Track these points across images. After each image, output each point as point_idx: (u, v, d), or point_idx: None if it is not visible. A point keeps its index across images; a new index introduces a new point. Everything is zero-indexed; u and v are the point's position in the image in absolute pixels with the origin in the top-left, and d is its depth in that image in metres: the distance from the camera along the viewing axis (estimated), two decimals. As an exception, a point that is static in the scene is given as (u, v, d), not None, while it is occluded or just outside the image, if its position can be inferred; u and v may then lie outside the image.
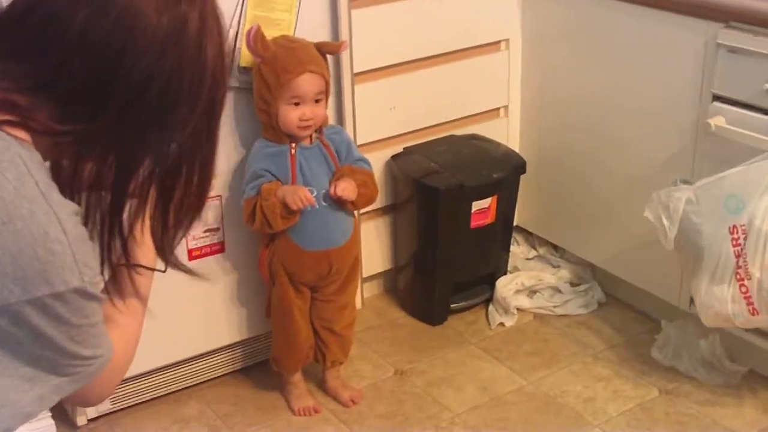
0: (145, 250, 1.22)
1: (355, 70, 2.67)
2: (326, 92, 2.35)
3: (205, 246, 2.51)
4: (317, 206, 2.36)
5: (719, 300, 2.29)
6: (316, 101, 2.32)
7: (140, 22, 1.01)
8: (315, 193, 2.35)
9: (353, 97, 2.60)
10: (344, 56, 2.54)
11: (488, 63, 3.01)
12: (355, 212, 2.52)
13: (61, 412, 2.54)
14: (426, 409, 2.59)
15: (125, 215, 1.12)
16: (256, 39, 2.26)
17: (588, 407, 2.57)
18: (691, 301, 2.56)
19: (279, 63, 2.28)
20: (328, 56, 2.41)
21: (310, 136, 2.40)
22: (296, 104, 2.30)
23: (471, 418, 2.54)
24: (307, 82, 2.29)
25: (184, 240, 2.37)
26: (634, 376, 2.68)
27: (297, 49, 2.32)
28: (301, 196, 2.30)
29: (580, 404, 2.58)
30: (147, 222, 1.15)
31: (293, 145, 2.37)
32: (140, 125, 1.04)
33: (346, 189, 2.35)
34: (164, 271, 1.24)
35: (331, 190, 2.35)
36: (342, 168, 2.42)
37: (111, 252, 1.12)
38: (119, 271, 1.19)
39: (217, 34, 1.07)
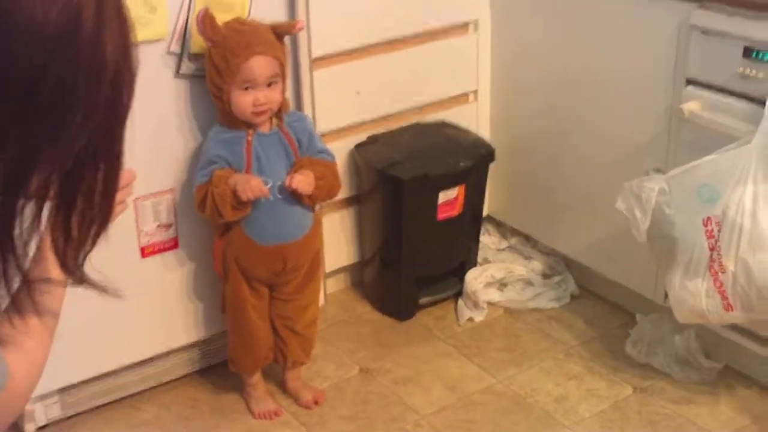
0: (48, 264, 1.09)
1: (315, 55, 2.56)
2: (282, 75, 2.23)
3: (158, 242, 2.39)
4: (271, 198, 2.24)
5: (693, 295, 2.18)
6: (269, 85, 2.20)
7: (23, 16, 0.88)
8: (270, 184, 2.23)
9: (312, 83, 2.49)
10: (302, 40, 2.42)
11: (456, 46, 2.90)
12: (316, 206, 2.40)
13: (8, 418, 2.43)
14: (391, 409, 2.49)
15: (17, 228, 0.99)
16: (205, 22, 2.15)
17: (559, 407, 2.47)
18: (666, 294, 2.46)
19: (228, 47, 2.17)
20: (287, 38, 2.30)
21: (270, 123, 2.28)
22: (247, 89, 2.19)
23: (437, 420, 2.44)
24: (258, 66, 2.17)
25: (135, 236, 2.31)
26: (608, 373, 2.58)
27: (246, 31, 2.20)
28: (253, 186, 2.18)
29: (551, 404, 2.48)
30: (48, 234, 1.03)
31: (250, 131, 2.25)
32: (29, 130, 0.92)
33: (302, 182, 2.23)
34: (80, 284, 1.12)
35: (287, 182, 2.23)
36: (302, 159, 2.29)
37: (6, 266, 1.00)
38: (19, 288, 1.07)
39: (118, 27, 0.95)
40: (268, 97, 2.20)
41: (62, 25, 0.89)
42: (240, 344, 2.43)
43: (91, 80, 0.92)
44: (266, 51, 2.18)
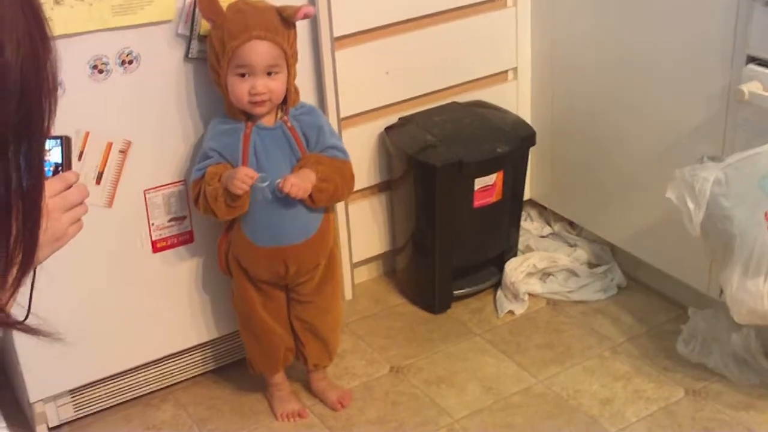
0: None
1: (342, 33, 2.41)
2: (287, 64, 2.03)
3: (171, 236, 2.24)
4: (269, 196, 2.06)
5: (754, 296, 1.99)
6: (269, 74, 2.01)
7: None
8: (267, 182, 2.04)
9: (334, 64, 2.31)
10: (322, 18, 2.24)
11: (493, 20, 2.70)
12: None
13: (19, 420, 2.33)
14: (423, 412, 2.32)
15: None
16: (203, 1, 1.98)
17: (604, 411, 2.29)
18: (722, 290, 2.26)
19: (225, 28, 1.99)
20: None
21: (275, 116, 2.09)
22: (244, 75, 2.00)
23: (472, 424, 2.27)
24: (254, 51, 1.98)
25: (146, 230, 2.16)
26: (657, 374, 2.39)
27: (248, 12, 2.00)
28: (242, 177, 1.98)
29: (596, 407, 2.30)
30: None
31: (249, 124, 2.07)
32: None
33: (295, 185, 2.02)
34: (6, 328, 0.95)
35: (279, 184, 2.04)
36: (308, 156, 2.09)
37: None
38: None
39: (23, 23, 0.77)
40: (267, 86, 2.01)
41: None
42: (255, 346, 2.28)
43: None
44: (266, 36, 1.98)
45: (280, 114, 2.10)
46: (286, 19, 2.01)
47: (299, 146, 2.10)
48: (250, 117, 2.07)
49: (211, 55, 2.03)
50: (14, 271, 0.85)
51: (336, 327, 2.32)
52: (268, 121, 2.08)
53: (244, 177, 1.98)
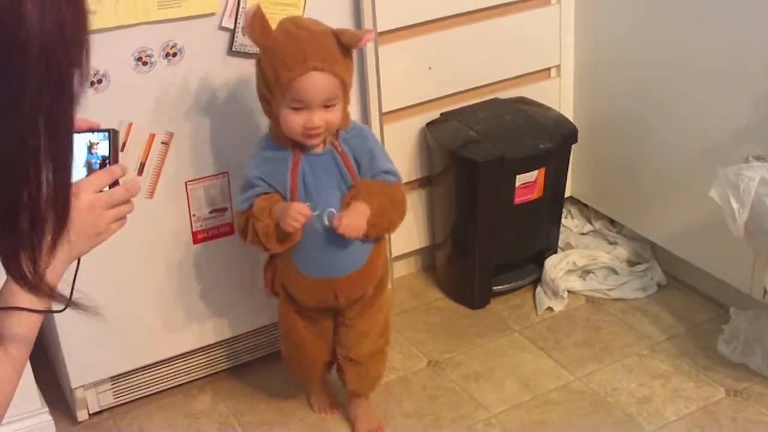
0: (13, 287, 0.95)
1: (386, 27, 2.41)
2: (344, 95, 1.90)
3: (212, 228, 2.26)
4: (319, 227, 1.96)
5: (797, 297, 1.96)
6: (326, 106, 1.88)
7: None
8: (317, 212, 1.94)
9: (377, 60, 2.31)
10: (367, 13, 2.23)
11: (537, 18, 2.69)
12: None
13: (61, 406, 2.36)
14: (460, 407, 2.33)
15: None
16: (254, 25, 1.82)
17: (642, 409, 2.27)
18: (765, 290, 2.24)
19: (279, 56, 1.84)
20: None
21: (325, 141, 1.97)
22: (298, 109, 1.87)
23: (509, 420, 2.27)
24: (313, 84, 1.84)
25: (187, 221, 2.18)
26: (697, 373, 2.37)
27: (303, 39, 1.84)
28: (293, 214, 1.87)
29: (634, 405, 2.29)
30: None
31: (297, 151, 1.95)
32: None
33: (349, 227, 1.90)
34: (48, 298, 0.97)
35: (334, 223, 1.92)
36: (359, 184, 1.96)
37: None
38: None
39: None
40: (325, 119, 1.88)
41: None
42: (291, 356, 2.24)
43: (11, 59, 0.74)
44: (324, 67, 1.83)
45: (330, 139, 1.97)
46: (346, 45, 1.87)
47: (350, 172, 1.98)
48: (298, 144, 1.95)
49: (261, 83, 1.91)
50: (48, 236, 0.85)
51: (374, 355, 2.19)
52: (317, 147, 1.97)
53: (297, 215, 1.88)
